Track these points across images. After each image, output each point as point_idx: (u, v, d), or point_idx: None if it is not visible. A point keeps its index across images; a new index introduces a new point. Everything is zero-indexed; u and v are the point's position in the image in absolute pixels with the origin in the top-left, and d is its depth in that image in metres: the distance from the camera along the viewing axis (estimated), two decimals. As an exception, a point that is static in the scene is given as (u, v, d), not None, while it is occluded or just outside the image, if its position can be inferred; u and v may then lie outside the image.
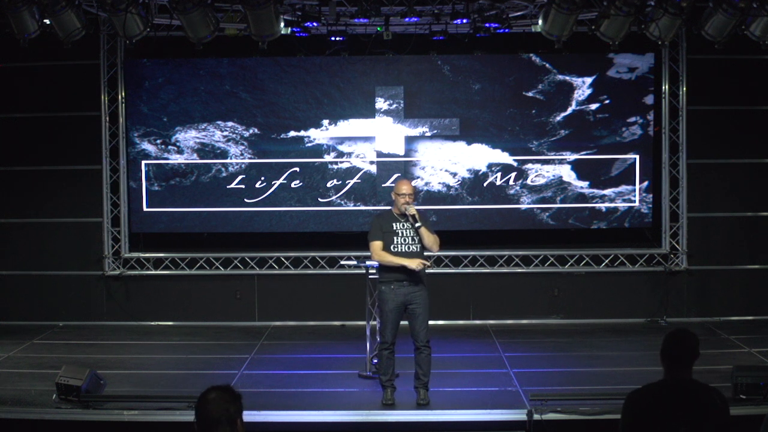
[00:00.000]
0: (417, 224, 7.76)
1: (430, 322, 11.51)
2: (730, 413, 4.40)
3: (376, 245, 7.83)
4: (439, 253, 11.73)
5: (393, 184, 11.61)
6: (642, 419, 4.30)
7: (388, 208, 8.20)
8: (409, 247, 7.80)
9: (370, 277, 9.14)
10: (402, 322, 7.96)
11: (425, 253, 7.98)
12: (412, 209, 7.77)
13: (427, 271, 7.86)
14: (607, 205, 11.83)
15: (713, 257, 11.97)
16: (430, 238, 7.81)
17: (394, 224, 7.83)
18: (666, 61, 11.74)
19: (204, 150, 11.86)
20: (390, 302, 7.81)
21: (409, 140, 11.80)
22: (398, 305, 7.81)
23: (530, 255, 11.97)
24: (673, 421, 4.24)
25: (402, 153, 11.80)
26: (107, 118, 11.88)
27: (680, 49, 11.70)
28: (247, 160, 11.83)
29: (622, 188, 11.81)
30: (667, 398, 4.31)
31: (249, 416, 7.62)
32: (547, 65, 11.72)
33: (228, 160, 11.85)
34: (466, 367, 9.55)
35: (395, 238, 7.80)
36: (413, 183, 11.65)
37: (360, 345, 9.49)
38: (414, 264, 7.67)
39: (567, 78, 11.73)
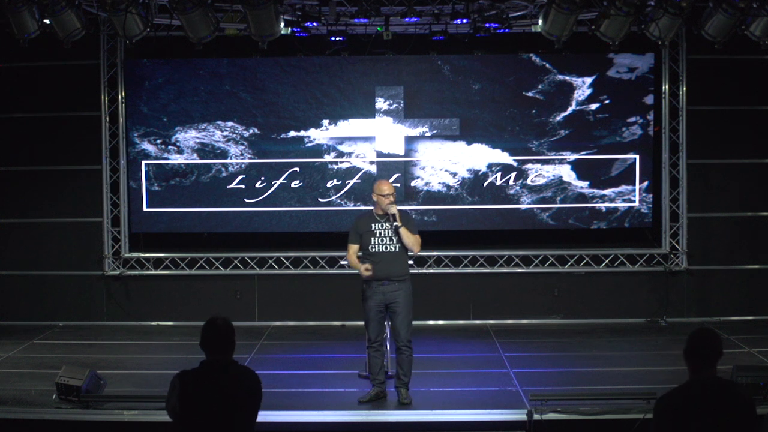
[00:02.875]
0: (395, 224, 7.78)
1: (429, 322, 11.65)
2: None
3: (350, 249, 7.99)
4: (438, 253, 11.79)
5: (393, 185, 11.66)
6: (675, 422, 4.32)
7: (370, 208, 8.20)
8: (386, 248, 7.84)
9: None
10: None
11: (409, 253, 8.01)
12: (394, 209, 7.82)
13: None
14: (607, 205, 11.83)
15: (713, 257, 11.97)
16: (410, 239, 7.84)
17: (372, 225, 7.89)
18: (666, 61, 11.75)
19: (204, 150, 11.86)
20: (370, 300, 7.89)
21: (409, 140, 11.80)
22: (378, 304, 7.88)
23: (530, 255, 11.97)
24: (705, 421, 4.28)
25: (402, 153, 11.80)
26: (107, 118, 11.88)
27: (680, 49, 11.71)
28: (247, 160, 11.83)
29: (622, 188, 11.81)
30: (697, 398, 4.34)
31: (249, 416, 7.59)
32: (547, 65, 11.72)
33: (228, 160, 11.85)
34: (466, 367, 9.55)
35: (373, 238, 7.86)
36: (413, 183, 11.74)
37: (360, 345, 9.47)
38: (365, 273, 7.78)
39: (567, 78, 11.73)
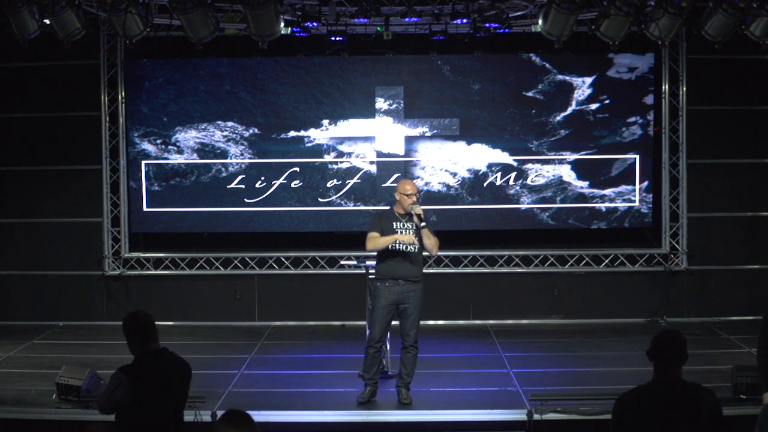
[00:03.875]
0: (423, 224, 7.77)
1: (429, 322, 11.67)
2: (724, 413, 4.39)
3: (371, 234, 7.84)
4: (438, 253, 11.76)
5: (393, 184, 11.70)
6: (634, 421, 4.28)
7: (388, 207, 8.19)
8: (407, 247, 7.81)
9: (370, 277, 9.14)
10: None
11: (424, 253, 7.99)
12: (419, 209, 7.81)
13: (425, 270, 7.80)
14: (607, 205, 11.83)
15: (713, 257, 11.97)
16: (431, 240, 7.83)
17: (394, 223, 7.85)
18: (666, 61, 11.75)
19: (204, 150, 11.86)
20: (382, 299, 7.84)
21: (409, 140, 11.80)
22: (390, 303, 7.84)
23: (530, 255, 11.97)
24: (666, 423, 4.23)
25: (402, 153, 11.80)
26: (107, 118, 11.88)
27: (680, 49, 11.71)
28: (247, 160, 11.83)
29: (622, 188, 11.81)
30: (659, 399, 4.29)
31: (249, 416, 7.60)
32: (547, 65, 11.72)
33: (228, 160, 11.85)
34: (466, 367, 9.55)
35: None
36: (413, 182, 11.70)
37: (360, 345, 9.45)
38: (404, 238, 7.69)
39: (567, 78, 11.73)
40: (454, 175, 11.83)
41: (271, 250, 12.01)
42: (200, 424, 7.37)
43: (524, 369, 9.30)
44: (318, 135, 11.80)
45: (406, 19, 10.31)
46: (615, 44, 9.38)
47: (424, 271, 8.04)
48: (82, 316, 12.00)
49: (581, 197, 11.83)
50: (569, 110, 11.74)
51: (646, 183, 11.80)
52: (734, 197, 11.96)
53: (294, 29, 10.55)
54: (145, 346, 5.20)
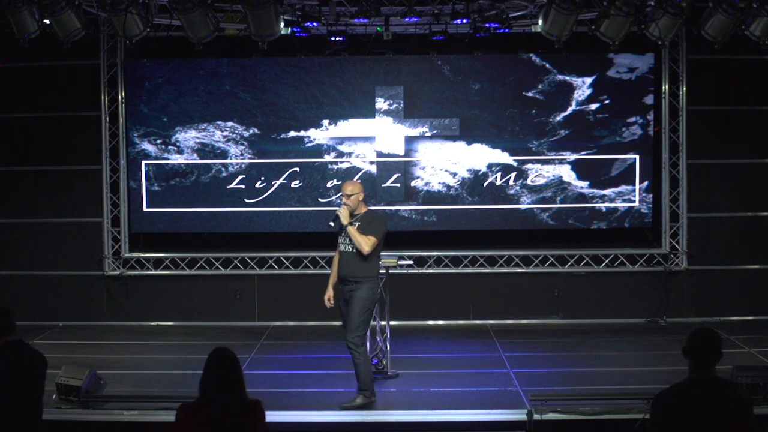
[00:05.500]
0: (345, 224, 7.87)
1: (429, 322, 11.69)
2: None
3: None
4: (438, 253, 11.81)
5: (395, 184, 11.74)
6: (672, 419, 4.34)
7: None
8: (346, 247, 7.97)
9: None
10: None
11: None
12: (342, 209, 7.91)
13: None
14: (607, 205, 11.83)
15: (713, 257, 11.97)
16: (356, 238, 7.85)
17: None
18: (666, 61, 11.75)
19: (204, 150, 11.86)
20: (339, 300, 8.07)
21: (409, 140, 11.80)
22: (343, 301, 8.02)
23: (530, 255, 11.97)
24: (701, 419, 4.30)
25: (402, 153, 11.80)
26: (107, 118, 11.88)
27: (680, 49, 11.71)
28: (247, 160, 11.83)
29: (622, 188, 11.81)
30: (695, 397, 4.37)
31: (249, 416, 7.57)
32: (547, 65, 11.72)
33: (228, 160, 11.85)
34: (466, 367, 9.55)
35: (340, 237, 8.02)
36: (413, 183, 11.74)
37: (360, 345, 9.48)
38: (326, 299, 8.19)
39: (567, 78, 11.73)
40: (454, 175, 11.83)
41: (271, 250, 12.02)
42: (200, 424, 7.36)
43: (524, 369, 9.30)
44: (318, 135, 11.80)
45: (406, 19, 10.31)
46: (615, 44, 9.39)
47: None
48: (82, 316, 12.00)
49: (581, 197, 11.83)
50: (569, 110, 11.74)
51: (646, 183, 11.80)
52: (734, 197, 11.96)
53: (294, 29, 10.55)
54: (5, 337, 5.38)
